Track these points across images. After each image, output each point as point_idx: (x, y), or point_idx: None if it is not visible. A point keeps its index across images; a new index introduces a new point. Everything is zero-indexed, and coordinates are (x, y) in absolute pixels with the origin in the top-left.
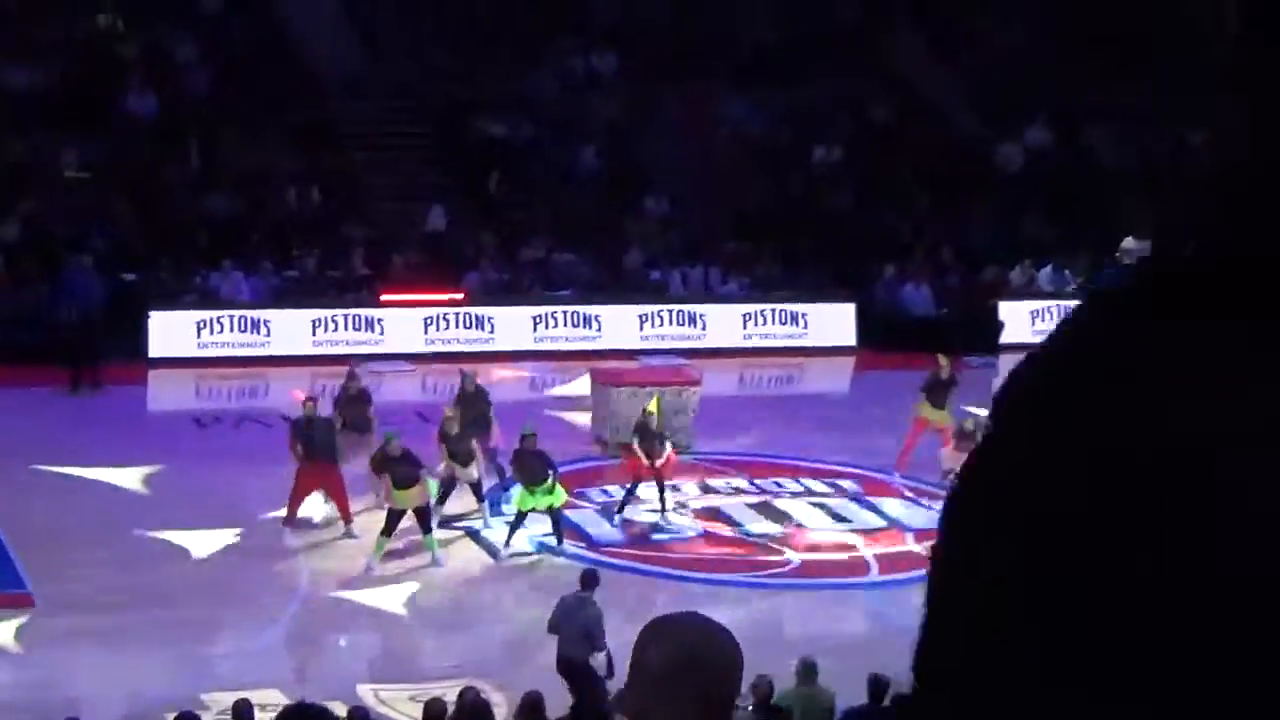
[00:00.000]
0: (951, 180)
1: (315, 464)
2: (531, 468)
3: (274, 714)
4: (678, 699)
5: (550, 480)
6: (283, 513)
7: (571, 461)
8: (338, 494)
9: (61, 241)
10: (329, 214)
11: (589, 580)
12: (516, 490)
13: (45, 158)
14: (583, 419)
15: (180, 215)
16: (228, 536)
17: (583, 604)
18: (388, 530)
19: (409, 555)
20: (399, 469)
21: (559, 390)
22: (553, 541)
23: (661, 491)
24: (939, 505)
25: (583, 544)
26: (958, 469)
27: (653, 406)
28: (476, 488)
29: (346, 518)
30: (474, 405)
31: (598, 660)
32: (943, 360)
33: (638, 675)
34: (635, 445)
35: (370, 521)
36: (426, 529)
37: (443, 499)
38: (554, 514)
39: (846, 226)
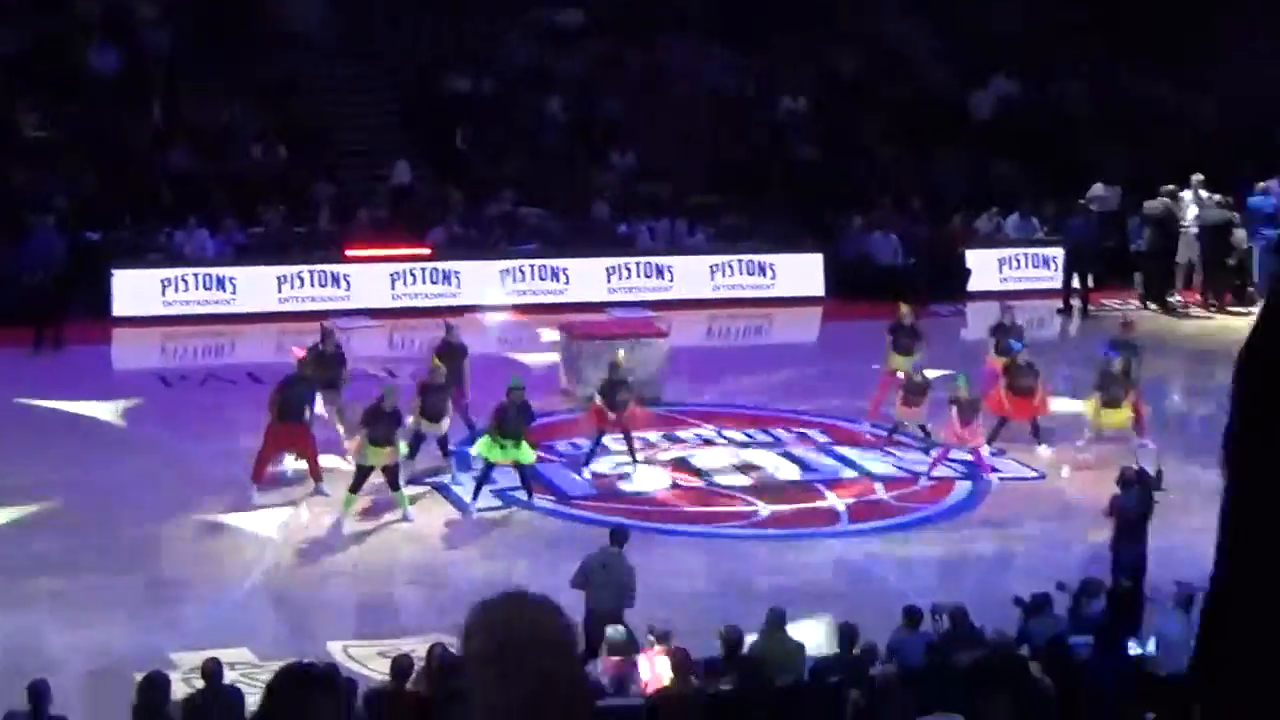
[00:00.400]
0: (918, 130)
1: (285, 424)
2: (513, 421)
3: (242, 672)
4: (510, 685)
5: (521, 438)
6: (250, 470)
7: (539, 415)
8: (308, 453)
9: (24, 202)
10: (294, 171)
11: (619, 536)
12: (482, 439)
13: (6, 117)
14: (550, 372)
15: (144, 173)
16: (194, 495)
17: (612, 560)
18: (356, 487)
19: (378, 512)
20: (381, 426)
21: (527, 343)
22: (522, 496)
23: (630, 443)
24: (909, 455)
25: (552, 497)
26: (908, 422)
27: (620, 358)
28: (443, 442)
29: (316, 476)
30: (454, 358)
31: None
32: (904, 308)
33: (468, 663)
34: (598, 399)
35: (341, 478)
36: (395, 485)
37: (412, 454)
38: (523, 470)
39: (813, 178)
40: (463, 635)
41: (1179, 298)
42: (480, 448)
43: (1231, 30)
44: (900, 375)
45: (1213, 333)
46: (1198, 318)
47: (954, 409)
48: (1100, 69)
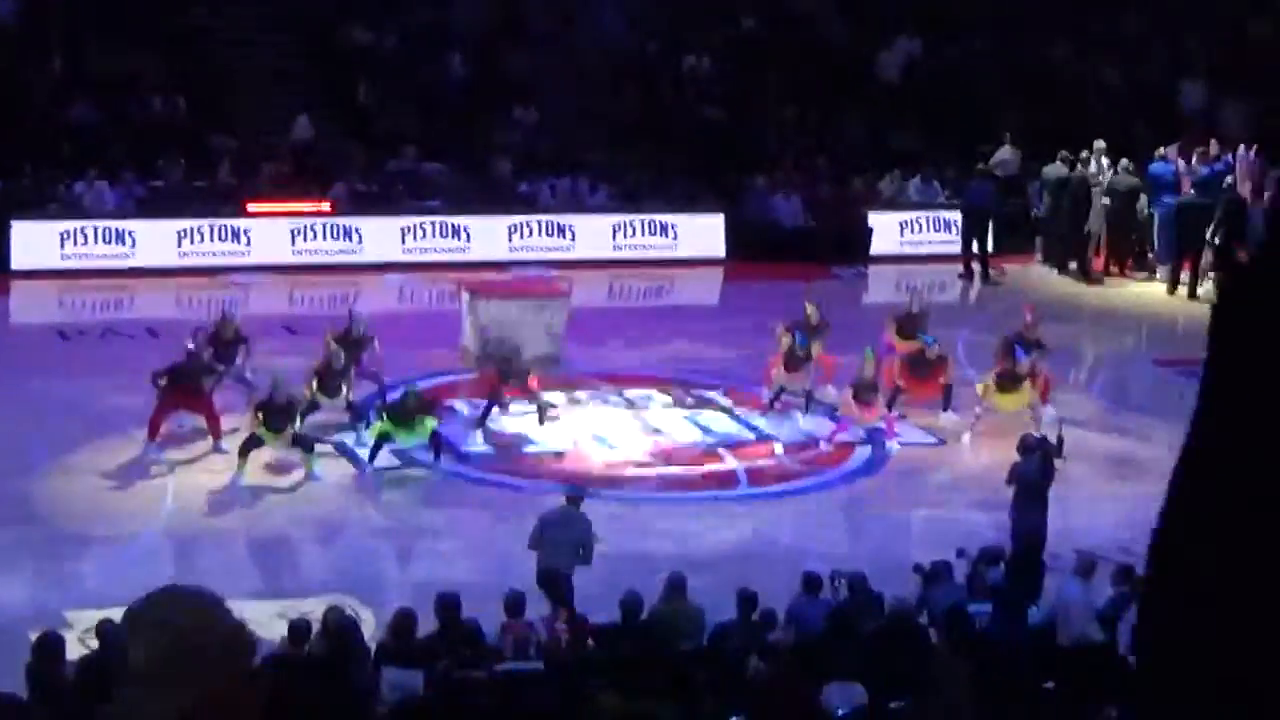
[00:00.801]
0: (821, 91)
1: (178, 387)
2: (411, 412)
3: None
4: (176, 693)
5: (417, 421)
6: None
7: (437, 374)
8: (206, 413)
9: None
10: (195, 123)
11: (576, 496)
12: (379, 425)
13: None
14: (450, 331)
15: (43, 124)
16: (91, 451)
17: (573, 519)
18: (245, 452)
19: (276, 470)
20: (275, 416)
21: (427, 301)
22: (420, 454)
23: (540, 407)
24: (807, 417)
25: (450, 456)
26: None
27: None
28: (348, 404)
29: (216, 435)
30: (355, 348)
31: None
32: (809, 308)
33: (128, 674)
34: (493, 370)
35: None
36: (309, 449)
37: (301, 419)
38: (433, 438)
39: (716, 137)
40: (127, 645)
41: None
42: (376, 431)
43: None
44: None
45: (1113, 299)
46: (1099, 284)
47: (849, 391)
48: (1002, 29)
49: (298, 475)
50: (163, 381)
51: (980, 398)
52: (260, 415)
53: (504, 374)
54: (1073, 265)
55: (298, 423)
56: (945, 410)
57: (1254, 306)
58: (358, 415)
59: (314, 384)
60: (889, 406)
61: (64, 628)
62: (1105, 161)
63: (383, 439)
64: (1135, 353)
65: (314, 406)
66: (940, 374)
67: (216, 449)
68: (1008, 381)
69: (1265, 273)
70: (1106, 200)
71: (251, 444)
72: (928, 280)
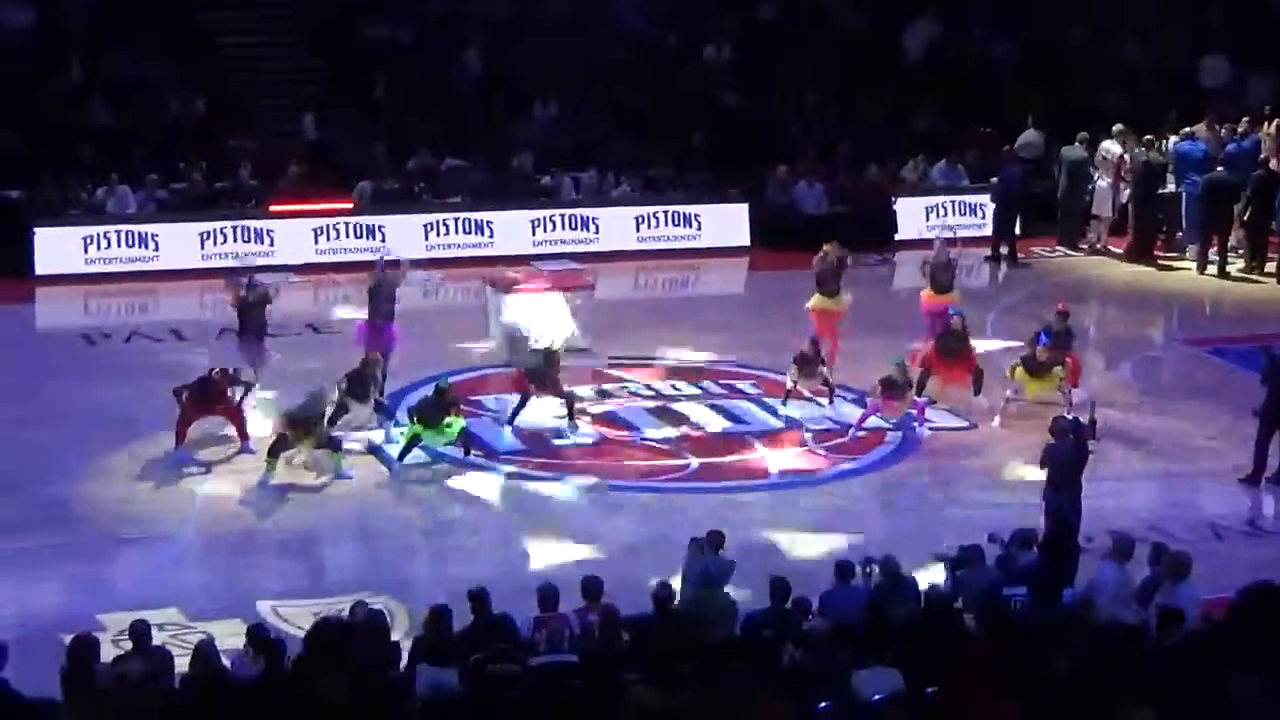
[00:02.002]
0: (842, 76)
1: (202, 402)
2: (437, 411)
3: (171, 634)
4: None
5: (445, 420)
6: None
7: (464, 370)
8: (233, 417)
9: None
10: (214, 125)
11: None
12: (407, 426)
13: None
14: (476, 326)
15: (63, 130)
16: (121, 455)
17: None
18: (274, 451)
19: (304, 470)
20: (303, 422)
21: (452, 296)
22: (449, 450)
23: (569, 404)
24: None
25: (481, 452)
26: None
27: (558, 345)
28: (377, 404)
29: (244, 435)
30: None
31: None
32: (827, 246)
33: None
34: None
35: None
36: (335, 448)
37: (333, 420)
38: (462, 435)
39: (737, 126)
40: None
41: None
42: (409, 432)
43: None
44: (829, 311)
45: (1142, 279)
46: (1122, 263)
47: (879, 386)
48: (1022, 8)
49: (327, 475)
50: (185, 395)
51: (1009, 378)
52: (288, 420)
53: (534, 377)
54: (1083, 245)
55: (325, 426)
56: (976, 395)
57: None
58: (387, 413)
59: (343, 385)
60: (919, 390)
61: (97, 630)
62: (1115, 142)
63: (413, 441)
64: (1165, 332)
65: (343, 409)
66: (969, 356)
67: (245, 449)
68: (1033, 366)
69: None
70: (1107, 183)
71: (281, 445)
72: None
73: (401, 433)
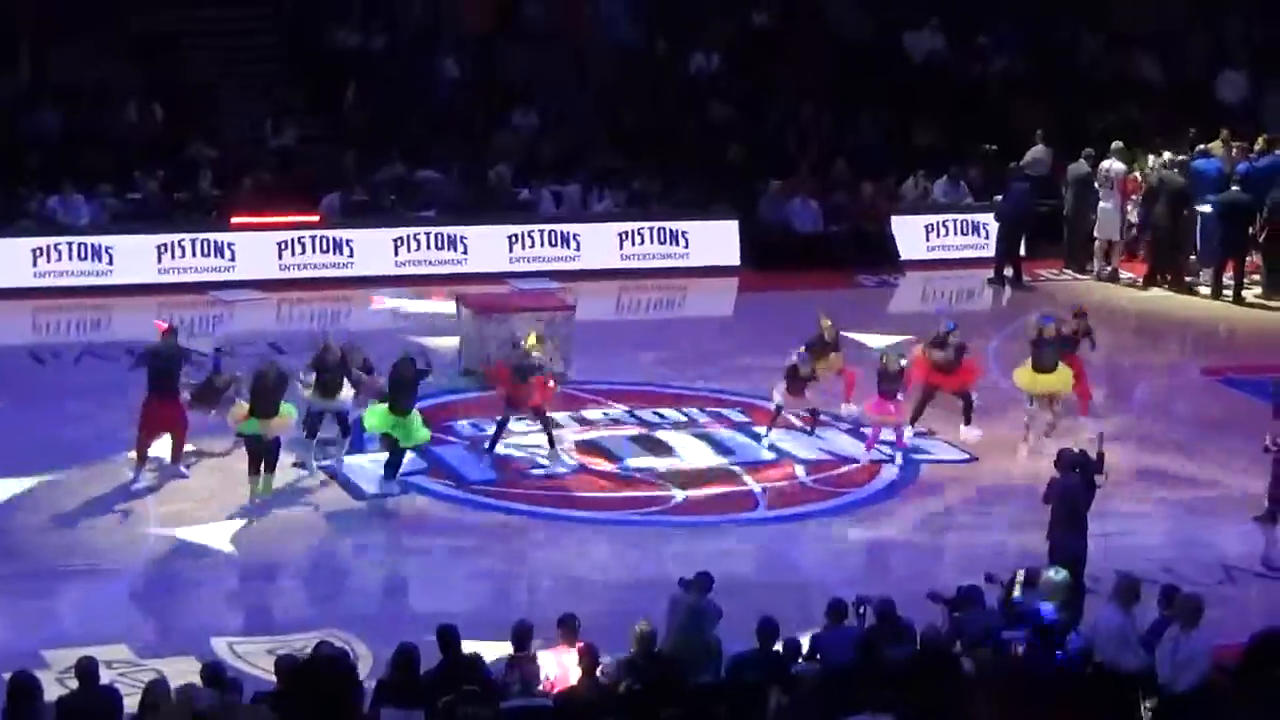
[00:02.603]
0: (839, 88)
1: (160, 398)
2: (405, 391)
3: (120, 671)
4: None
5: (410, 414)
6: (131, 454)
7: (437, 394)
8: (177, 432)
9: None
10: (173, 131)
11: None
12: (373, 410)
13: None
14: (448, 347)
15: (11, 135)
16: (68, 480)
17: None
18: (254, 467)
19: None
20: (263, 401)
21: (422, 316)
22: (421, 480)
23: (548, 429)
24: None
25: (452, 482)
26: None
27: (531, 341)
28: (343, 418)
29: (176, 457)
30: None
31: None
32: (825, 322)
33: None
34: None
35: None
36: (269, 466)
37: (312, 432)
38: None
39: (728, 139)
40: None
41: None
42: (373, 419)
43: None
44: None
45: (1155, 305)
46: (1133, 287)
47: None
48: (1030, 19)
49: (290, 506)
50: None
51: (1022, 387)
52: (250, 402)
53: (518, 375)
54: (1091, 268)
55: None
56: (967, 424)
57: None
58: (346, 430)
59: (313, 384)
60: (915, 417)
61: (41, 668)
62: (1152, 158)
63: (392, 446)
64: (1179, 361)
65: (319, 417)
66: (969, 365)
67: (175, 471)
68: (1041, 363)
69: None
70: (1111, 205)
71: (254, 456)
72: (956, 287)
73: (368, 430)
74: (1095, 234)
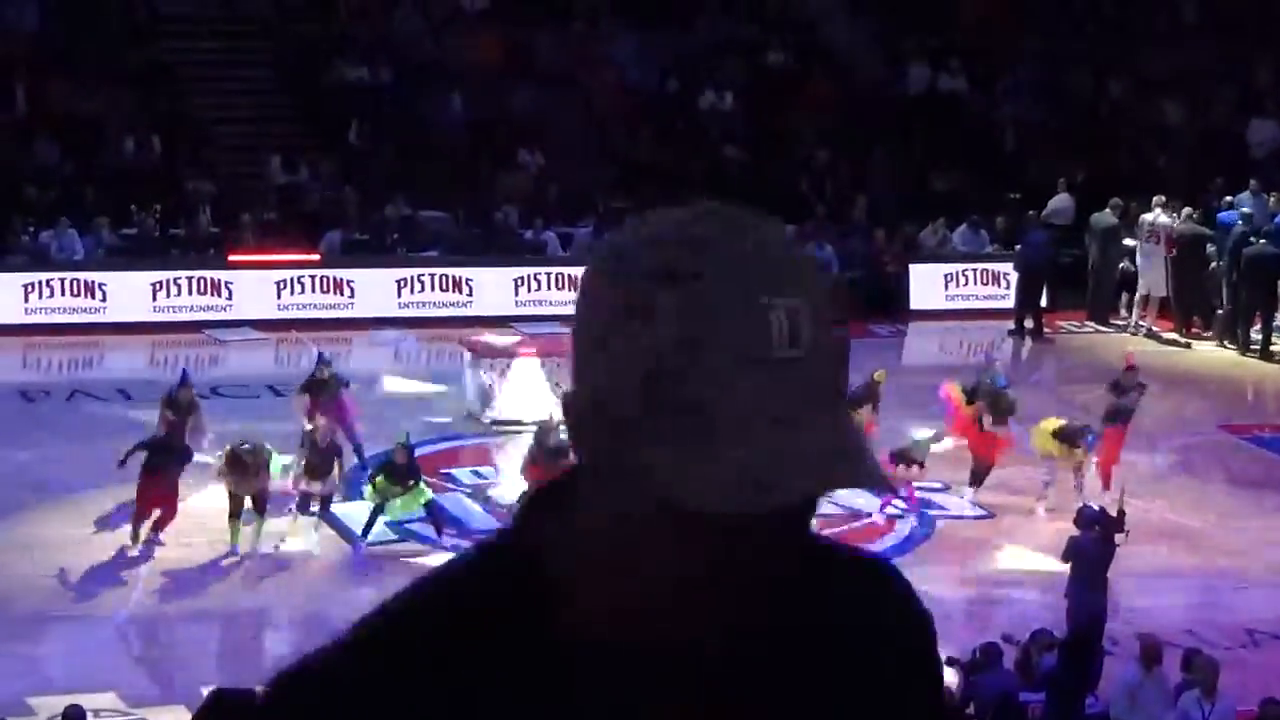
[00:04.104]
0: (856, 131)
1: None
2: (402, 472)
3: None
4: None
5: (413, 484)
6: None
7: (437, 440)
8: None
9: None
10: (171, 167)
11: None
12: (373, 486)
13: None
14: (452, 393)
15: (6, 168)
16: (55, 523)
17: None
18: (235, 513)
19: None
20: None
21: (425, 361)
22: (419, 528)
23: None
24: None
25: (454, 531)
26: None
27: (551, 423)
28: (326, 501)
29: (161, 526)
30: (327, 388)
31: None
32: (878, 375)
33: None
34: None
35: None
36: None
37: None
38: (430, 508)
39: (741, 181)
40: None
41: (1144, 322)
42: (374, 492)
43: (1193, 33)
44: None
45: (1178, 359)
46: (1159, 343)
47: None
48: (1052, 64)
49: (284, 553)
50: (130, 460)
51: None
52: (229, 467)
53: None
54: (1117, 323)
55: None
56: (971, 485)
57: None
58: (347, 484)
59: (303, 464)
60: (978, 482)
61: (26, 715)
62: (1164, 213)
63: (376, 513)
64: (1202, 417)
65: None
66: (1006, 436)
67: (153, 539)
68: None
69: None
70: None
71: (237, 509)
72: (975, 338)
73: (366, 492)
74: (1141, 289)
